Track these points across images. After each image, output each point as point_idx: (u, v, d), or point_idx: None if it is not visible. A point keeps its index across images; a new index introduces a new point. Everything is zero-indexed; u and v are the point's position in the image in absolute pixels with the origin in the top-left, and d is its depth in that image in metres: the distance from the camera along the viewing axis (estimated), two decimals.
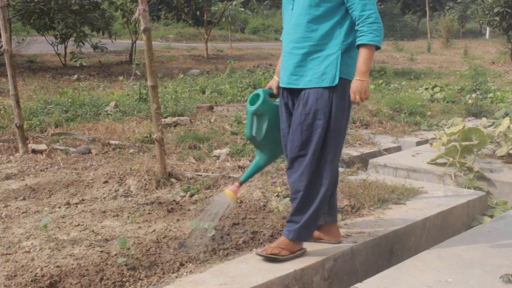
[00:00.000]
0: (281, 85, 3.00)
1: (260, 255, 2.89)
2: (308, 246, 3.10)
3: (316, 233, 3.11)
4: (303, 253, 2.97)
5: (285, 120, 2.99)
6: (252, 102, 3.10)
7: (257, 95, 3.09)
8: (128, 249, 2.95)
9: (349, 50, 2.85)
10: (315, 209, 2.88)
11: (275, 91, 3.15)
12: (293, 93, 2.94)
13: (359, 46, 2.79)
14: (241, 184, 3.14)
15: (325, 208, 3.00)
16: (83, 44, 13.76)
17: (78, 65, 13.32)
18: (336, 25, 2.83)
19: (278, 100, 3.11)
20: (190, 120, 6.70)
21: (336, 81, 2.80)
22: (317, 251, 3.05)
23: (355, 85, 2.78)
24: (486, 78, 9.49)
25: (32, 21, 13.70)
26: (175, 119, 6.60)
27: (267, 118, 3.07)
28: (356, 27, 2.80)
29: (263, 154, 3.15)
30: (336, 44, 2.82)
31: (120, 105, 7.47)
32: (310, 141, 2.84)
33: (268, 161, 3.20)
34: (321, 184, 2.87)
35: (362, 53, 2.78)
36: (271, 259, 2.87)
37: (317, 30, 2.84)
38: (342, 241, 3.16)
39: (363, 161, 5.43)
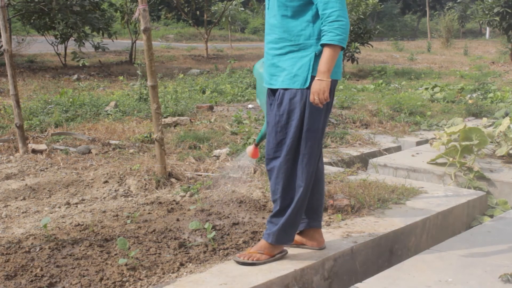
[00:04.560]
0: (264, 84, 2.96)
1: (238, 262, 2.88)
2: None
3: (299, 238, 3.06)
4: (283, 256, 2.93)
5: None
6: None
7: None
8: (128, 249, 2.95)
9: None
10: (291, 212, 2.82)
11: None
12: (274, 93, 2.89)
13: (322, 45, 2.69)
14: (256, 145, 3.40)
15: (303, 212, 2.91)
16: (84, 44, 13.76)
17: (80, 64, 13.33)
18: (307, 24, 2.74)
19: None
20: (190, 120, 6.71)
21: (307, 84, 2.72)
22: (317, 251, 3.05)
23: (314, 85, 2.68)
24: (487, 78, 9.50)
25: (32, 21, 13.71)
26: (175, 119, 6.60)
27: (261, 84, 3.20)
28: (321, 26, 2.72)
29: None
30: (311, 45, 2.73)
31: (120, 105, 7.48)
32: (284, 142, 2.79)
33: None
34: (297, 186, 2.81)
35: (324, 53, 2.67)
36: (249, 264, 2.85)
37: (288, 31, 2.76)
38: (326, 247, 3.08)
39: (363, 161, 5.44)
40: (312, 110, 2.74)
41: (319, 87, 2.66)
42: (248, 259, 2.87)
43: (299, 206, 2.84)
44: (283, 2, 2.75)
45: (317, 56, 2.74)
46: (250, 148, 3.44)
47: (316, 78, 2.68)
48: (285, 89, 2.78)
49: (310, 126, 2.76)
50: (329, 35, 2.64)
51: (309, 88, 2.73)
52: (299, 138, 2.78)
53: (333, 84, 2.79)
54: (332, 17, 2.64)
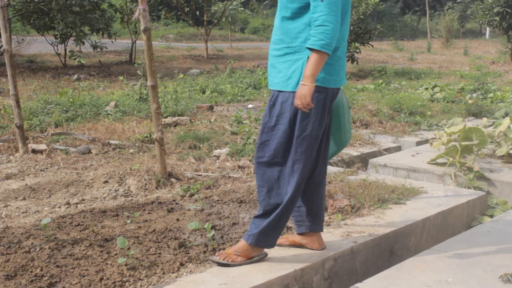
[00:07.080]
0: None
1: (213, 261, 2.87)
2: None
3: (298, 239, 3.05)
4: (261, 259, 2.90)
5: None
6: None
7: None
8: (128, 249, 2.95)
9: None
10: (275, 217, 2.79)
11: None
12: None
13: (308, 49, 2.65)
14: None
15: (288, 218, 2.87)
16: (83, 43, 13.77)
17: (77, 63, 13.34)
18: (305, 27, 2.71)
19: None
20: (190, 120, 6.71)
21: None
22: (317, 251, 3.05)
23: (298, 89, 2.64)
24: (487, 78, 9.50)
25: (32, 21, 13.71)
26: (175, 119, 6.61)
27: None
28: None
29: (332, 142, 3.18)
30: (305, 48, 2.68)
31: (120, 105, 7.48)
32: (267, 144, 2.76)
33: (333, 150, 3.23)
34: (285, 193, 2.77)
35: (310, 57, 2.62)
36: (223, 265, 2.84)
37: (287, 32, 2.74)
38: (326, 248, 3.07)
39: (363, 161, 5.43)
40: (303, 116, 2.71)
41: (301, 91, 2.62)
42: (223, 259, 2.85)
43: (283, 213, 2.80)
44: (284, 3, 2.75)
45: None
46: None
47: (300, 82, 2.64)
48: (279, 91, 2.76)
49: (301, 132, 2.72)
50: (312, 39, 2.59)
51: None
52: (287, 143, 2.74)
53: (328, 92, 2.75)
54: (318, 21, 2.59)
